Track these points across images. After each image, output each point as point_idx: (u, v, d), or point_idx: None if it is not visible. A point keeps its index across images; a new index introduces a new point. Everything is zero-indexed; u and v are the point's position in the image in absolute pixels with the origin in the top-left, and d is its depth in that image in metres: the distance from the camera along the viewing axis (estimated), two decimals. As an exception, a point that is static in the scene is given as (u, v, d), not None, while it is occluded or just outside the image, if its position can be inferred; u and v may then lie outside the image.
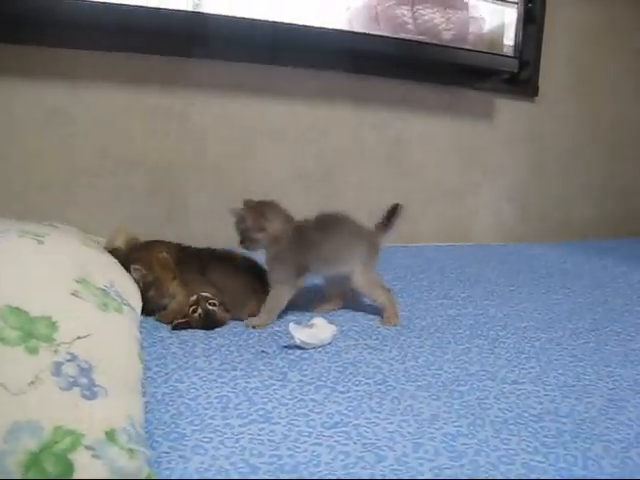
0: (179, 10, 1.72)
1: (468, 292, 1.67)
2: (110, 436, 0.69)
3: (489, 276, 1.86)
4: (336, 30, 1.90)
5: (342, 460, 0.80)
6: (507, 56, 2.16)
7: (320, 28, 1.87)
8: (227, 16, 1.75)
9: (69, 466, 0.64)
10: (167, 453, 0.80)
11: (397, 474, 0.78)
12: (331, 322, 1.27)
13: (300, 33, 1.84)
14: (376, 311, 1.44)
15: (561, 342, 1.33)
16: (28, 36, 1.61)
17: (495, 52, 2.12)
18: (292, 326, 1.18)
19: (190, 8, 1.77)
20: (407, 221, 2.27)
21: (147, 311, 1.25)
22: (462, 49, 2.07)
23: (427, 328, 1.37)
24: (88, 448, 0.66)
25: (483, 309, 1.53)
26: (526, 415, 0.97)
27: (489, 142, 2.37)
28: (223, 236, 1.94)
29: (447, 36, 2.03)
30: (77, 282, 0.93)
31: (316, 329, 1.22)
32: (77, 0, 1.60)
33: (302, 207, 2.08)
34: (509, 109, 2.37)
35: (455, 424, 0.92)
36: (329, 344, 1.22)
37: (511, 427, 0.93)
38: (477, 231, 2.43)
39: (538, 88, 2.39)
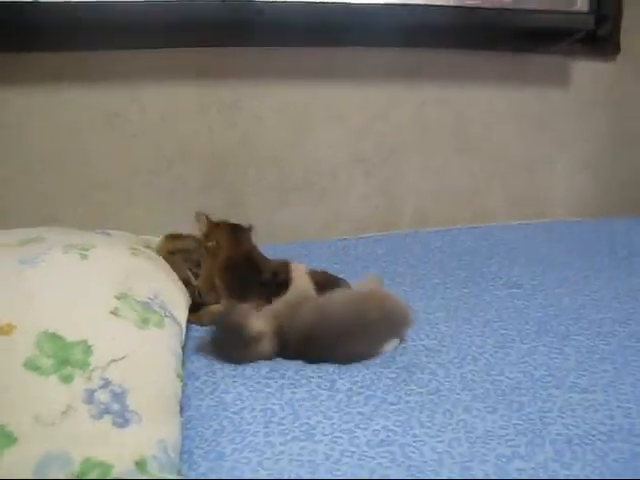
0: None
1: (539, 279, 1.56)
2: (140, 466, 0.69)
3: (563, 259, 1.72)
4: (388, 4, 1.79)
5: (386, 485, 0.76)
6: (580, 13, 1.95)
7: (372, 4, 1.78)
8: (274, 1, 1.69)
9: (97, 500, 0.64)
10: (204, 475, 0.79)
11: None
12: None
13: (351, 12, 1.75)
14: (438, 308, 1.37)
15: (642, 338, 1.21)
16: (85, 41, 1.63)
17: (565, 10, 1.92)
18: None
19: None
20: (475, 200, 2.18)
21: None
22: (526, 10, 1.89)
23: (491, 323, 1.29)
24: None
25: (555, 299, 1.42)
26: (594, 433, 0.88)
27: (563, 110, 2.19)
28: (279, 225, 1.94)
29: (507, -2, 1.87)
30: (117, 299, 0.93)
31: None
32: (129, 1, 1.60)
33: (366, 192, 2.04)
34: (585, 72, 2.17)
35: (510, 443, 0.86)
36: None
37: (575, 448, 0.85)
38: (551, 207, 2.27)
39: (619, 45, 2.16)
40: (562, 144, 2.24)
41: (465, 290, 1.48)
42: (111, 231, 1.29)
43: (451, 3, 1.89)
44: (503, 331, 1.25)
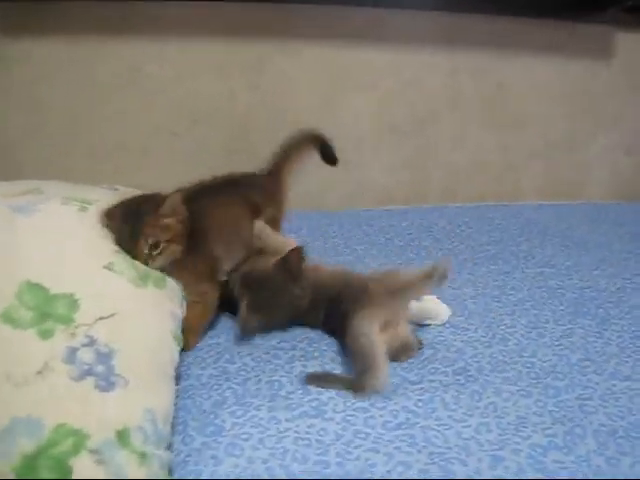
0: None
1: (574, 259, 1.44)
2: (122, 437, 0.60)
3: (600, 240, 1.60)
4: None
5: (400, 473, 0.67)
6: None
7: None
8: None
9: (67, 474, 0.55)
10: (198, 451, 0.70)
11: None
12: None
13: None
14: (465, 284, 1.26)
15: (690, 325, 1.09)
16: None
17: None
18: None
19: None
20: (508, 177, 2.06)
21: None
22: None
23: (522, 302, 1.18)
24: (92, 452, 0.58)
25: (591, 280, 1.31)
26: (637, 428, 0.78)
27: (606, 85, 2.05)
28: (303, 194, 1.84)
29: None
30: (116, 253, 0.85)
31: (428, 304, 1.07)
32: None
33: (393, 163, 1.93)
34: (633, 44, 2.03)
35: (547, 432, 0.76)
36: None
37: (620, 441, 0.75)
38: (589, 188, 2.14)
39: (674, 15, 2.02)
40: (604, 122, 2.10)
41: (494, 267, 1.37)
42: (120, 187, 1.20)
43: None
44: (535, 311, 1.15)
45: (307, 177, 1.86)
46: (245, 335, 0.98)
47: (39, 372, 0.61)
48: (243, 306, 0.97)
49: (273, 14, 1.71)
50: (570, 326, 1.09)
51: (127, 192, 1.22)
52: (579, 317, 1.13)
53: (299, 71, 1.76)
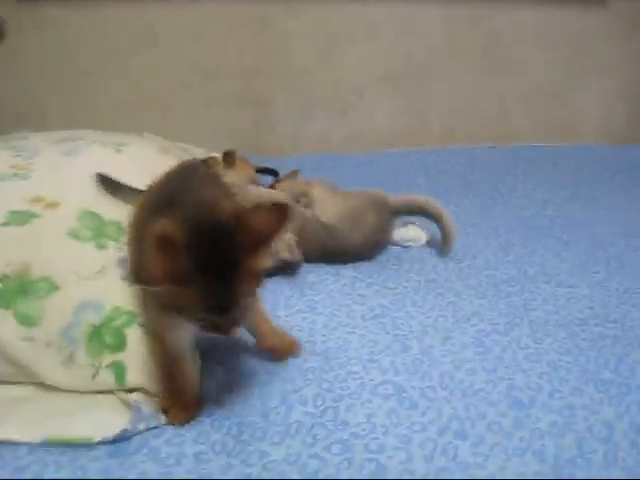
0: None
1: (552, 194, 1.61)
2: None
3: (582, 179, 1.76)
4: None
5: (370, 347, 0.88)
6: None
7: None
8: None
9: (123, 339, 0.77)
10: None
11: (416, 363, 0.84)
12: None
13: None
14: (451, 213, 1.43)
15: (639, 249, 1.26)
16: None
17: None
18: None
19: None
20: (504, 121, 2.19)
21: None
22: None
23: (497, 229, 1.37)
24: (140, 325, 0.79)
25: (563, 211, 1.48)
26: (570, 318, 0.97)
27: (601, 32, 2.13)
28: (309, 140, 2.02)
29: None
30: (147, 187, 1.04)
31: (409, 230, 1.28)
32: None
33: (392, 109, 2.08)
34: (627, -10, 2.11)
35: (492, 322, 0.96)
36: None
37: (549, 328, 0.94)
38: (582, 131, 2.26)
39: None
40: (597, 68, 2.20)
41: (478, 200, 1.55)
42: (145, 133, 1.39)
43: None
44: (507, 235, 1.33)
45: (312, 122, 2.03)
46: None
47: (99, 271, 0.83)
48: None
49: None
50: (534, 247, 1.27)
51: (151, 138, 1.42)
52: (543, 239, 1.30)
53: (301, 27, 1.90)
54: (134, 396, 0.74)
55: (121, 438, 0.69)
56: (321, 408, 0.75)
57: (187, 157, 1.39)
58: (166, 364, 0.73)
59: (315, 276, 1.11)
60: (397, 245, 1.24)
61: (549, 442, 0.69)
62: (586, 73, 2.19)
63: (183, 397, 0.74)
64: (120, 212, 0.93)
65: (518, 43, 2.11)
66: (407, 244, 1.25)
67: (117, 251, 0.88)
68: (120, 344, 0.76)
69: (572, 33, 2.14)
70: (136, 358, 0.76)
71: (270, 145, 1.92)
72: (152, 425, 0.71)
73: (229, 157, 1.36)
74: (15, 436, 0.70)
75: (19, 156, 1.03)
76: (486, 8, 2.04)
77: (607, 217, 1.44)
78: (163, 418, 0.72)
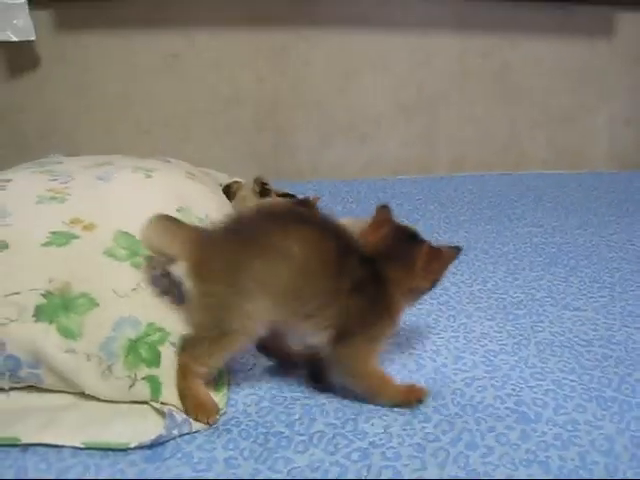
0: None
1: (561, 221, 1.66)
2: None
3: (590, 205, 1.81)
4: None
5: (386, 366, 0.93)
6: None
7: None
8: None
9: (157, 355, 0.83)
10: (243, 353, 0.97)
11: (431, 382, 0.89)
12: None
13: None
14: (460, 240, 1.51)
15: (645, 273, 1.31)
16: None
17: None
18: None
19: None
20: (513, 148, 2.26)
21: None
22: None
23: (506, 255, 1.42)
24: (172, 344, 0.85)
25: (571, 238, 1.53)
26: (576, 339, 1.02)
27: (607, 61, 2.22)
28: (327, 166, 2.10)
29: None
30: (177, 211, 1.11)
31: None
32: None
33: (404, 138, 2.16)
34: (632, 23, 2.18)
35: (501, 342, 1.01)
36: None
37: (555, 349, 0.99)
38: (591, 158, 2.32)
39: (670, -5, 2.16)
40: (605, 96, 2.27)
41: (488, 227, 1.60)
42: (171, 159, 1.47)
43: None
44: (516, 261, 1.38)
45: (329, 149, 2.11)
46: None
47: (134, 289, 0.89)
48: None
49: (293, 5, 1.94)
50: (542, 272, 1.32)
51: (177, 163, 1.49)
52: (552, 266, 1.36)
53: (319, 56, 1.99)
54: (167, 406, 0.80)
55: (156, 444, 0.74)
56: (342, 420, 0.80)
57: (211, 181, 1.47)
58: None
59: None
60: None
61: (554, 454, 0.74)
62: (594, 101, 2.27)
63: None
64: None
65: (527, 74, 2.19)
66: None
67: (151, 270, 0.94)
68: (155, 359, 0.82)
69: (580, 63, 2.22)
70: (169, 375, 0.82)
71: (289, 170, 2.00)
72: (185, 431, 0.77)
73: (264, 187, 1.42)
74: (58, 440, 0.76)
75: (55, 180, 1.11)
76: (497, 40, 2.13)
77: (614, 243, 1.50)
78: (194, 425, 0.78)
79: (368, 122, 2.11)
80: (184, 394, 0.80)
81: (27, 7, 1.68)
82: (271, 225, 0.79)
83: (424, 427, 0.79)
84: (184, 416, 0.78)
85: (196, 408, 0.79)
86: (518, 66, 2.18)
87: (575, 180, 2.08)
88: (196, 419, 0.79)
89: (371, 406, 0.83)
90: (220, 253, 0.79)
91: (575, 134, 2.31)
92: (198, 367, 0.80)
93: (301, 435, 0.77)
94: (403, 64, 2.08)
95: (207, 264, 0.79)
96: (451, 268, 0.86)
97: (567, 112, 2.27)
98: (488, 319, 1.09)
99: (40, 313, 0.84)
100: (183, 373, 0.81)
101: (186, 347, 0.82)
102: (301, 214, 0.85)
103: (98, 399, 0.82)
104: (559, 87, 2.23)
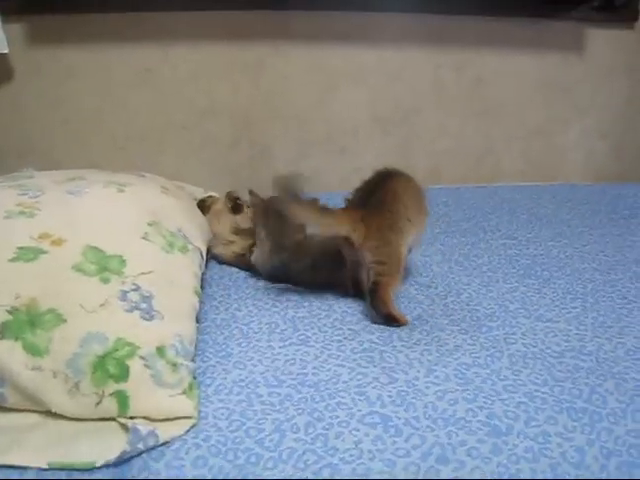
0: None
1: (535, 233, 1.67)
2: (160, 351, 0.86)
3: (564, 217, 1.83)
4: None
5: (358, 380, 0.93)
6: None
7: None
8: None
9: (126, 369, 0.82)
10: (213, 366, 0.96)
11: (402, 394, 0.89)
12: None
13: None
14: (434, 252, 1.51)
15: (616, 284, 1.32)
16: (119, 3, 1.79)
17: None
18: None
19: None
20: (488, 161, 2.29)
21: None
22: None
23: (480, 267, 1.43)
24: (141, 358, 0.84)
25: (545, 250, 1.54)
26: (548, 351, 1.03)
27: (580, 76, 2.25)
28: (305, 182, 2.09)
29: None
30: (149, 225, 1.10)
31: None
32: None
33: (381, 151, 2.17)
34: (603, 39, 2.22)
35: (473, 355, 1.01)
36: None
37: (528, 361, 0.99)
38: (565, 170, 2.36)
39: (638, 13, 2.21)
40: (578, 110, 2.31)
41: (463, 239, 1.61)
42: (145, 174, 1.46)
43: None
44: (490, 273, 1.39)
45: (307, 162, 2.12)
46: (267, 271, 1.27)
47: (102, 304, 0.88)
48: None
49: (270, 20, 1.94)
50: (516, 284, 1.33)
51: (152, 178, 1.48)
52: (525, 278, 1.37)
53: (295, 70, 2.00)
54: (133, 420, 0.79)
55: (122, 461, 0.73)
56: (312, 435, 0.79)
57: (185, 196, 1.47)
58: None
59: (307, 311, 1.17)
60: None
61: (525, 467, 0.74)
62: (568, 114, 2.31)
63: None
64: (120, 246, 1.00)
65: (501, 87, 2.22)
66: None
67: (119, 284, 0.93)
68: (123, 374, 0.81)
69: (553, 77, 2.25)
70: (139, 388, 0.80)
71: (266, 183, 1.98)
72: (151, 444, 0.75)
73: (236, 203, 1.43)
74: (22, 462, 0.74)
75: (25, 194, 1.09)
76: (470, 55, 2.15)
77: (587, 254, 1.51)
78: (161, 436, 0.77)
79: (345, 135, 2.12)
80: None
81: (0, 21, 1.66)
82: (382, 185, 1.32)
83: (395, 441, 0.78)
84: (150, 428, 0.77)
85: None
86: (492, 80, 2.20)
87: (549, 192, 2.10)
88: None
89: (342, 419, 0.82)
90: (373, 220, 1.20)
91: (549, 147, 2.34)
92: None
93: (271, 452, 0.76)
94: (379, 78, 2.09)
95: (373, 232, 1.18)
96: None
97: (541, 125, 2.30)
98: (462, 332, 1.09)
99: (5, 330, 0.82)
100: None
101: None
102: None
103: (63, 417, 0.80)
104: (533, 101, 2.26)
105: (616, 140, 2.38)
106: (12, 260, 0.90)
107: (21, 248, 0.93)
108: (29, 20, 1.78)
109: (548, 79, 2.25)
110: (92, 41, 1.84)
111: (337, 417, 0.83)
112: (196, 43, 1.91)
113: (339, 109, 2.08)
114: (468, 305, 1.21)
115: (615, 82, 2.31)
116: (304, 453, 0.76)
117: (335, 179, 2.11)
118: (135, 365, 0.83)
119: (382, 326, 1.11)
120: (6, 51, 1.70)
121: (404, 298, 1.24)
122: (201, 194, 1.64)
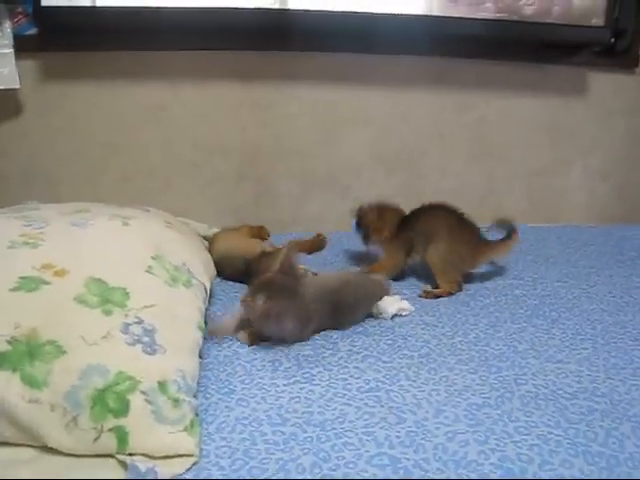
0: (266, 8, 1.83)
1: (541, 273, 1.66)
2: (162, 386, 0.84)
3: (570, 257, 1.82)
4: (415, 15, 1.93)
5: (365, 419, 0.90)
6: (597, 27, 2.04)
7: (399, 14, 1.91)
8: (309, 10, 1.84)
9: (126, 404, 0.79)
10: (216, 403, 0.93)
11: (411, 435, 0.86)
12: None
13: (380, 21, 1.89)
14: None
15: (626, 325, 1.30)
16: (130, 42, 1.82)
17: (582, 24, 2.02)
18: None
19: (277, 5, 1.87)
20: (491, 201, 2.29)
21: None
22: (545, 24, 2.00)
23: (487, 307, 1.41)
24: (142, 392, 0.81)
25: (552, 290, 1.52)
26: (560, 392, 1.00)
27: (581, 119, 2.28)
28: (308, 217, 2.09)
29: (529, 11, 1.98)
30: (153, 259, 1.09)
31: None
32: (171, 8, 1.77)
33: (384, 190, 2.17)
34: (604, 83, 2.26)
35: (484, 395, 0.98)
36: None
37: (540, 402, 0.96)
38: (568, 212, 2.36)
39: (638, 58, 2.25)
40: (580, 152, 2.33)
41: (469, 280, 1.59)
42: (150, 208, 1.45)
43: (476, 15, 2.01)
44: (497, 314, 1.37)
45: (311, 201, 2.12)
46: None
47: (104, 337, 0.86)
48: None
49: (277, 60, 1.97)
50: (524, 325, 1.30)
51: (156, 212, 1.48)
52: (533, 318, 1.34)
53: (301, 110, 2.02)
54: (132, 457, 0.76)
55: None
56: (318, 477, 0.76)
57: (189, 231, 1.46)
58: None
59: (311, 349, 1.14)
60: (382, 316, 1.28)
61: (540, 513, 0.71)
62: (570, 156, 2.32)
63: None
64: (125, 279, 0.98)
65: (504, 130, 2.24)
66: (401, 312, 1.29)
67: (122, 317, 0.91)
68: (123, 409, 0.79)
69: (555, 119, 2.27)
70: (139, 423, 0.78)
71: (270, 221, 1.99)
72: (150, 484, 0.72)
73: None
74: (14, 499, 0.71)
75: (29, 225, 1.09)
76: (473, 98, 2.18)
77: (595, 295, 1.49)
78: (160, 473, 0.73)
79: (349, 174, 2.13)
80: None
81: (13, 56, 1.69)
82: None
83: (405, 484, 0.75)
84: (149, 465, 0.74)
85: None
86: (495, 122, 2.23)
87: (554, 233, 2.09)
88: None
89: (349, 460, 0.79)
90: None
91: (552, 188, 2.35)
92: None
93: (275, 493, 0.73)
94: (383, 118, 2.11)
95: None
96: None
97: (543, 166, 2.31)
98: (470, 372, 1.06)
99: (4, 360, 0.80)
100: None
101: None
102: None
103: (60, 453, 0.77)
104: (535, 142, 2.28)
105: (618, 181, 2.39)
106: (13, 290, 0.89)
107: (23, 278, 0.91)
108: (42, 57, 1.81)
109: (551, 121, 2.27)
110: (103, 78, 1.87)
111: (344, 458, 0.80)
112: (205, 82, 1.93)
113: (343, 149, 2.10)
114: (476, 345, 1.19)
115: (616, 124, 2.33)
116: (310, 496, 0.73)
117: (338, 218, 2.10)
118: (136, 400, 0.80)
119: (389, 365, 1.08)
120: (18, 86, 1.72)
121: (412, 337, 1.21)
122: (205, 230, 1.63)
